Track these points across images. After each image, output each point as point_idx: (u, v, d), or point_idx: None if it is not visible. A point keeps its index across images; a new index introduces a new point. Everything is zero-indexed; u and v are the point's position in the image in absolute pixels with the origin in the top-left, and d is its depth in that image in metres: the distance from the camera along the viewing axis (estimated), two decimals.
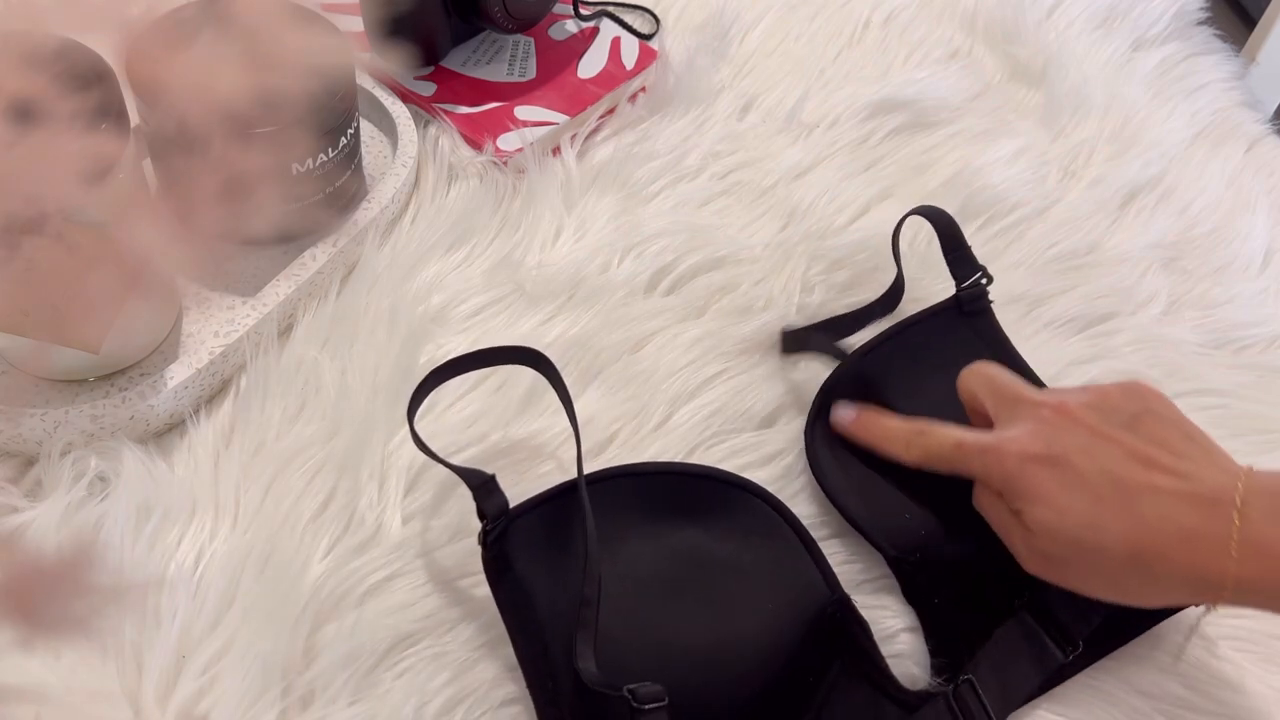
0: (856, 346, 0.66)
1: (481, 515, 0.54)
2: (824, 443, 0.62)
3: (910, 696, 0.54)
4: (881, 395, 0.63)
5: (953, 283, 0.69)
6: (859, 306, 0.70)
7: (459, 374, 0.59)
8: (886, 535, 0.59)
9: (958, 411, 0.59)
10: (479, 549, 0.55)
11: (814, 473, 0.62)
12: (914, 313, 0.67)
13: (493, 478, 0.55)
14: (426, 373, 0.58)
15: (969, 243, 0.69)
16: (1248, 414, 0.70)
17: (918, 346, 0.66)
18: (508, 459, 0.61)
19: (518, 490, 0.57)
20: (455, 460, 0.60)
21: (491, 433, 0.63)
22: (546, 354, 0.59)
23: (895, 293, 0.71)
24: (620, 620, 0.53)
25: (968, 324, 0.67)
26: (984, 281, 0.68)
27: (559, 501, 0.56)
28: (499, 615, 0.55)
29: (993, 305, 0.68)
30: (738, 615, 0.55)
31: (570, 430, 0.58)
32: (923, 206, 0.70)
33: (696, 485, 0.59)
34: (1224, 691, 0.58)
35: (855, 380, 0.64)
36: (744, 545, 0.57)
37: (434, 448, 0.56)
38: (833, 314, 0.69)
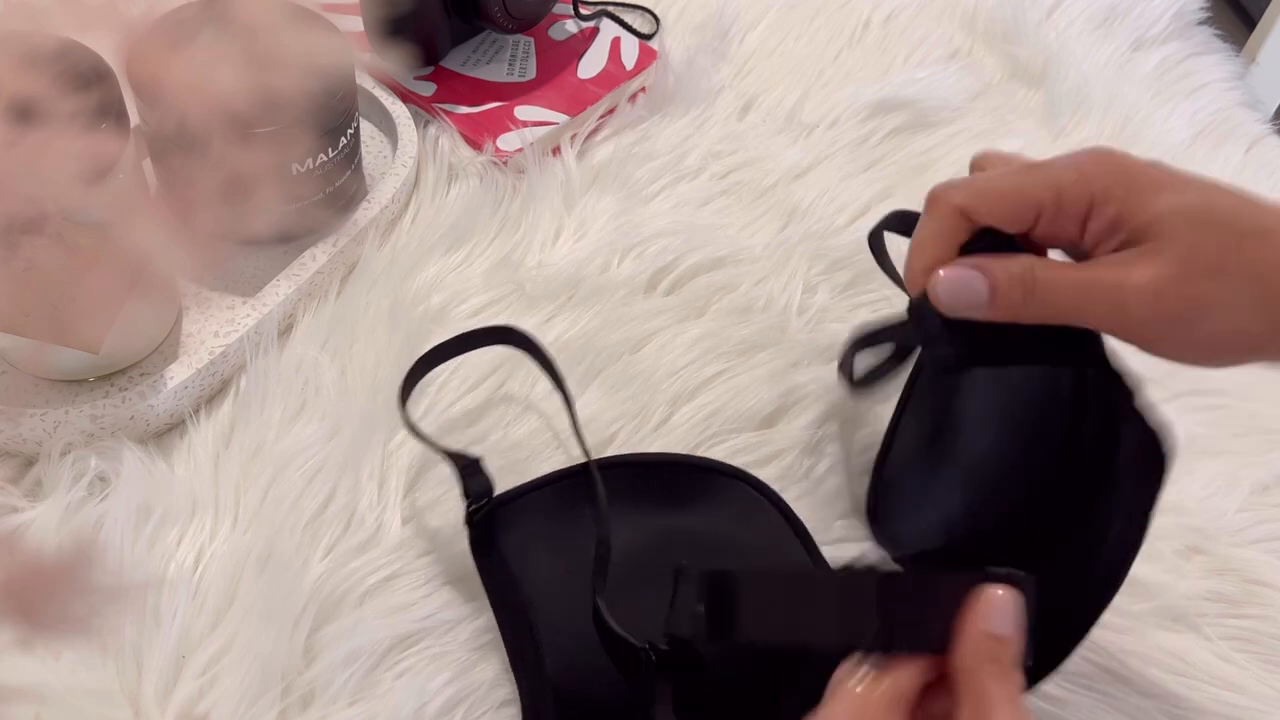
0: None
1: (466, 494, 0.56)
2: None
3: None
4: (961, 400, 0.59)
5: None
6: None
7: (442, 361, 0.61)
8: (893, 538, 0.60)
9: (1013, 429, 0.54)
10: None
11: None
12: None
13: (478, 460, 0.56)
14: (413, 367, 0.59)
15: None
16: (1248, 414, 0.70)
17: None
18: (508, 458, 0.61)
19: None
20: None
21: (492, 432, 0.63)
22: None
23: None
24: (613, 601, 0.53)
25: None
26: None
27: (547, 489, 0.58)
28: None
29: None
30: None
31: (573, 430, 0.58)
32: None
33: (677, 474, 0.60)
34: (1224, 691, 0.58)
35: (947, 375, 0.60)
36: (730, 526, 0.58)
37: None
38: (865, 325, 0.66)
